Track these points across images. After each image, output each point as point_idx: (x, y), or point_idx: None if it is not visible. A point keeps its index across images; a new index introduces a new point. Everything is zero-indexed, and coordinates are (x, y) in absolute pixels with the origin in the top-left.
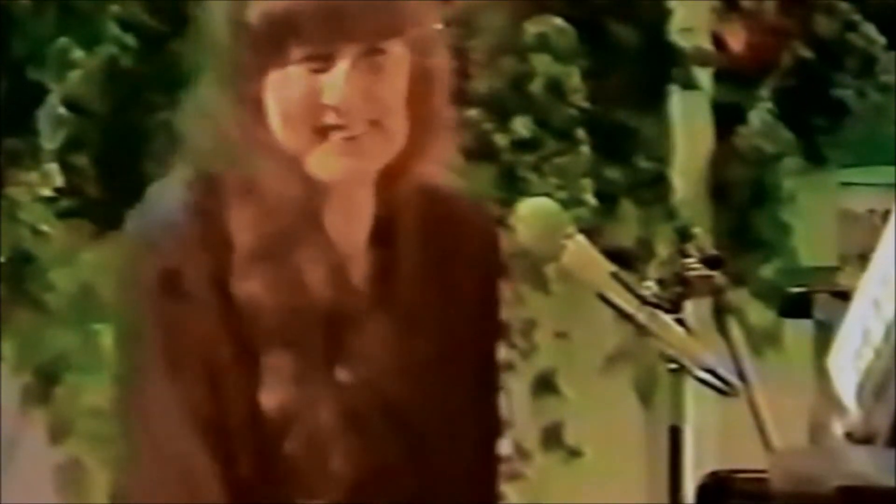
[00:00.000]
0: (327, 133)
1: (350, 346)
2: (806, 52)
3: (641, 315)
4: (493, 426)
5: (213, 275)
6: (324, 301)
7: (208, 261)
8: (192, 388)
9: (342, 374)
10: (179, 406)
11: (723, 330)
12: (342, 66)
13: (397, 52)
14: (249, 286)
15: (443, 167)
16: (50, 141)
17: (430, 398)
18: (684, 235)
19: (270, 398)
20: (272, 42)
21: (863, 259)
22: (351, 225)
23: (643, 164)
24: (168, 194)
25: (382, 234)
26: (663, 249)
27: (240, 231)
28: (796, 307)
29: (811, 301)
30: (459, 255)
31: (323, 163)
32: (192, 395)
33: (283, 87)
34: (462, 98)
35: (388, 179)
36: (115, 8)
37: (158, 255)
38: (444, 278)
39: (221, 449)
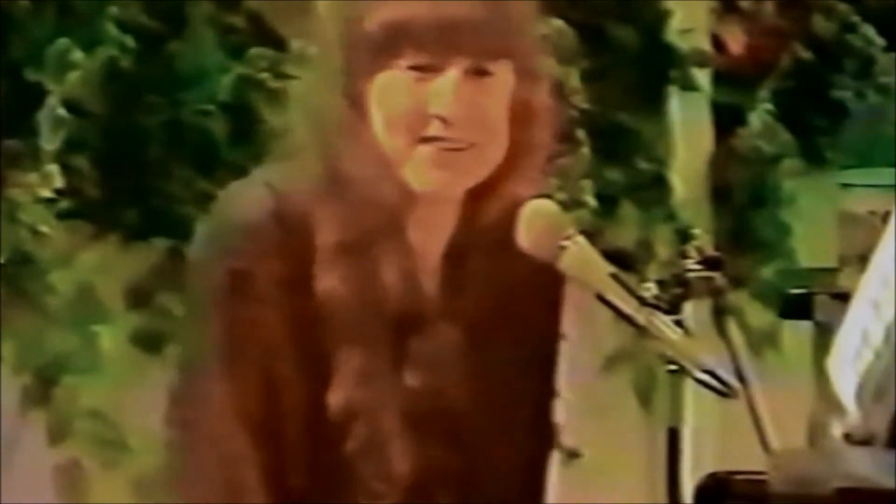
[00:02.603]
0: (428, 143)
1: (419, 351)
2: (805, 54)
3: (641, 316)
4: (547, 438)
5: (287, 277)
6: (397, 304)
7: (284, 263)
8: (249, 391)
9: (410, 379)
10: (234, 408)
11: (722, 331)
12: (451, 77)
13: (503, 76)
14: (330, 280)
15: (529, 192)
16: (49, 142)
17: (491, 409)
18: (684, 237)
19: (337, 396)
20: (385, 46)
21: (862, 260)
22: (429, 239)
23: (643, 165)
24: (247, 196)
25: (457, 256)
26: (663, 251)
27: (325, 224)
28: (796, 308)
29: (811, 302)
30: (526, 278)
31: (418, 172)
32: (249, 397)
33: (389, 91)
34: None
35: (475, 201)
36: (114, 9)
37: (232, 255)
38: (511, 298)
39: (272, 454)
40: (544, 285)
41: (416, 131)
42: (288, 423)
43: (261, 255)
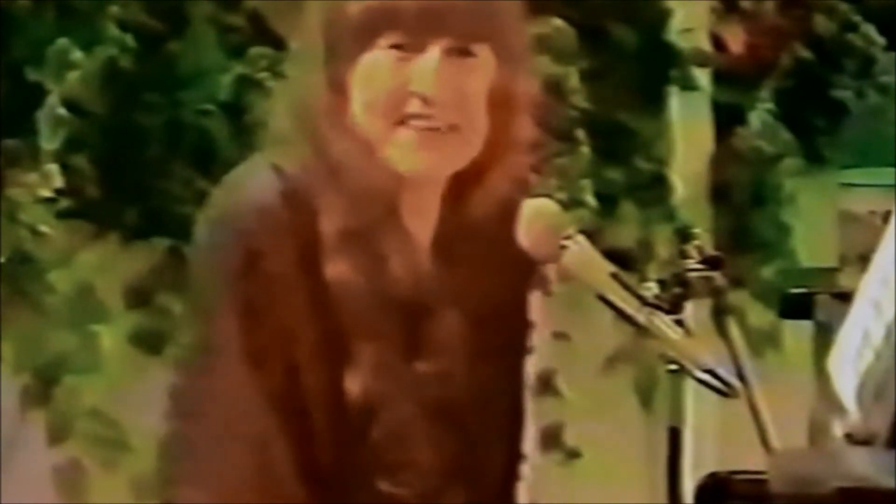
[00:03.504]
0: (408, 123)
1: (428, 336)
2: (805, 53)
3: (641, 316)
4: (523, 421)
5: (301, 258)
6: (404, 291)
7: (297, 244)
8: (271, 371)
9: (422, 365)
10: (257, 388)
11: (722, 331)
12: (432, 55)
13: (485, 59)
14: (338, 268)
15: (515, 185)
16: (49, 142)
17: (491, 394)
18: (684, 236)
19: (354, 384)
20: (367, 28)
21: (863, 260)
22: (421, 224)
23: (643, 164)
24: (254, 177)
25: (442, 248)
26: (663, 250)
27: (328, 214)
28: (796, 308)
29: (811, 302)
30: (506, 278)
31: (402, 154)
32: (272, 377)
33: (370, 72)
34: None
35: (459, 190)
36: (114, 9)
37: (245, 236)
38: (492, 293)
39: (299, 432)
40: (521, 285)
41: (396, 110)
42: (311, 407)
43: (273, 235)
